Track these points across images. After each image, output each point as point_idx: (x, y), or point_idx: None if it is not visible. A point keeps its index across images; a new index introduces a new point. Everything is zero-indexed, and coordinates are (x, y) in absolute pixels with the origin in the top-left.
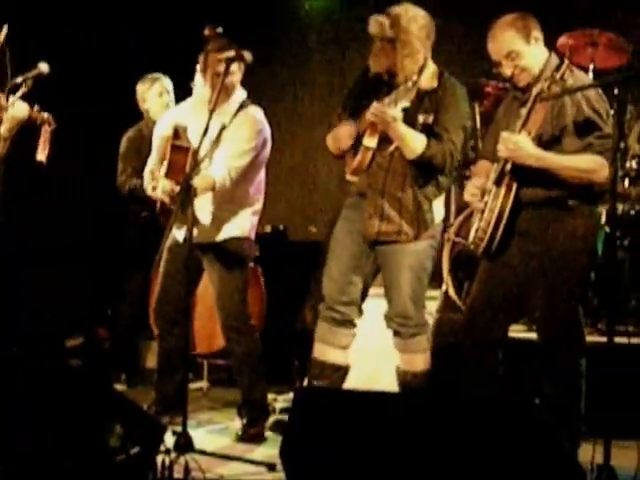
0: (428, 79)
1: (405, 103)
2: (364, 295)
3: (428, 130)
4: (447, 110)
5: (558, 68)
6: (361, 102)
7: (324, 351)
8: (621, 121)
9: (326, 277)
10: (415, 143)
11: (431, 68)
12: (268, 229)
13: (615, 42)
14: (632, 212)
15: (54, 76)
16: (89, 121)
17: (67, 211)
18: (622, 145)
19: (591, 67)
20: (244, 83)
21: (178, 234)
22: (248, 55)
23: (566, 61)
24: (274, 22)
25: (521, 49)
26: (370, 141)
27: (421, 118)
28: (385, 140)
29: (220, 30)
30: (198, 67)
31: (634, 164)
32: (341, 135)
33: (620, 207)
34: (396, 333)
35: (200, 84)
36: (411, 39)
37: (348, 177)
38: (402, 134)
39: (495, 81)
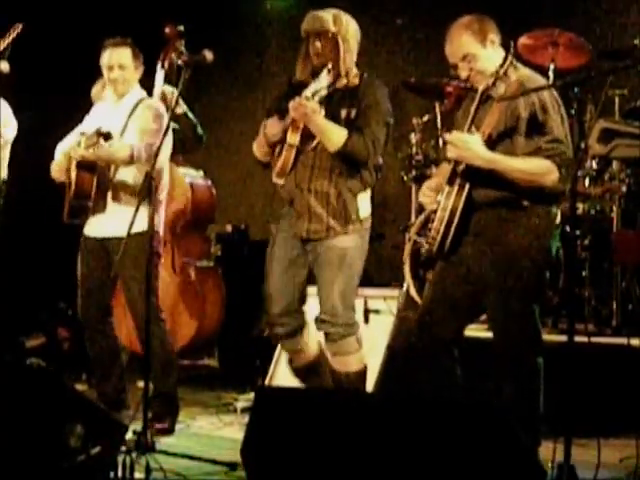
0: (352, 78)
1: (323, 92)
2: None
3: (351, 125)
4: (369, 106)
5: (502, 64)
6: (285, 107)
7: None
8: (581, 121)
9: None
10: (336, 135)
11: (354, 70)
12: (229, 229)
13: (575, 42)
14: (592, 211)
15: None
16: (48, 120)
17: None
18: (582, 145)
19: (552, 67)
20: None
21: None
22: (209, 54)
23: (509, 57)
24: (234, 21)
25: (477, 52)
26: (293, 138)
27: (344, 113)
28: (307, 137)
29: (181, 29)
30: (158, 65)
31: (594, 164)
32: (268, 132)
33: (580, 207)
34: (326, 335)
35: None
36: (350, 37)
37: (274, 179)
38: (322, 127)
39: (457, 80)
